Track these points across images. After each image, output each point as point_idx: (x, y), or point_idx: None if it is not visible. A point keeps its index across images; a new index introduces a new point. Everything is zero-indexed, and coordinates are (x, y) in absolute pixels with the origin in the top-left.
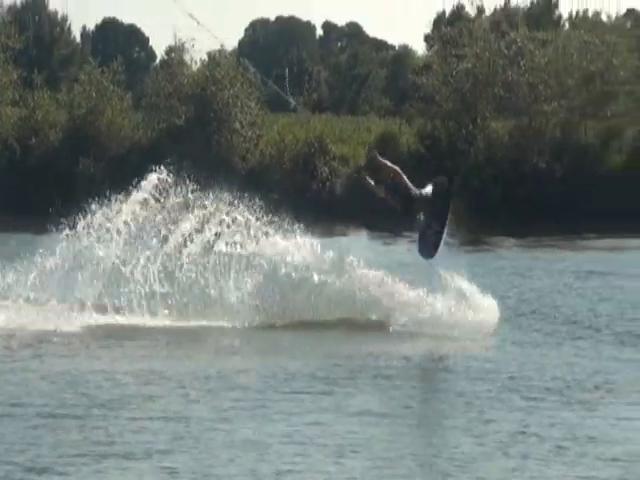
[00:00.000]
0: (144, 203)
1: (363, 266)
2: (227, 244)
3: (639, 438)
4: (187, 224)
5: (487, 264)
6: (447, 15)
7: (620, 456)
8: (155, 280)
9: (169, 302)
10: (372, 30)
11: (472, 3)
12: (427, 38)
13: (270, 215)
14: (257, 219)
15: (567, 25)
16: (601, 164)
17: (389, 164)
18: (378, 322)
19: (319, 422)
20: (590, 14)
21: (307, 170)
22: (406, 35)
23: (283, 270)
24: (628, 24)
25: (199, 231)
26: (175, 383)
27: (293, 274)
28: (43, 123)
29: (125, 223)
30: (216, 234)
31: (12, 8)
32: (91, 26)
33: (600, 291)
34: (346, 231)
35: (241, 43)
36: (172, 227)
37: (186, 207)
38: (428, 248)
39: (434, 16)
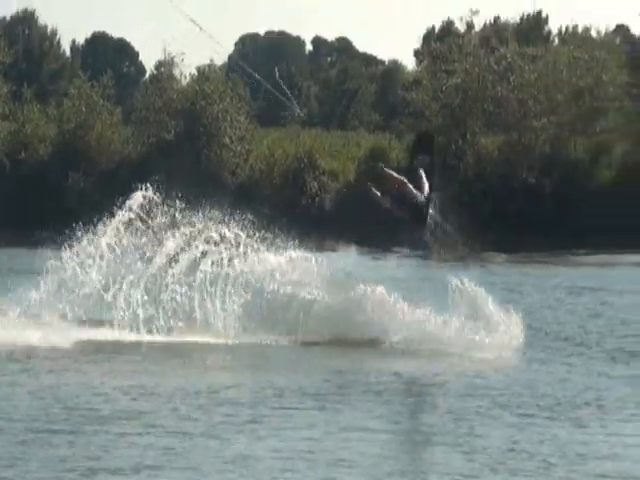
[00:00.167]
0: (129, 224)
1: (362, 283)
2: (213, 263)
3: (629, 455)
4: (172, 244)
5: (477, 280)
6: (437, 30)
7: (609, 473)
8: (138, 305)
9: (154, 326)
10: (362, 45)
11: (461, 19)
12: (417, 53)
13: (261, 231)
14: (248, 236)
15: (557, 41)
16: (590, 180)
17: (394, 174)
18: (370, 338)
19: (309, 438)
20: (580, 30)
21: (297, 185)
22: (396, 50)
23: (272, 288)
24: (617, 40)
25: (185, 250)
26: (165, 398)
27: (282, 291)
28: (32, 137)
29: (109, 246)
30: (203, 253)
31: (1, 22)
32: (81, 40)
33: (590, 307)
34: (335, 246)
35: (231, 58)
36: (158, 248)
37: (173, 226)
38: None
39: (424, 31)
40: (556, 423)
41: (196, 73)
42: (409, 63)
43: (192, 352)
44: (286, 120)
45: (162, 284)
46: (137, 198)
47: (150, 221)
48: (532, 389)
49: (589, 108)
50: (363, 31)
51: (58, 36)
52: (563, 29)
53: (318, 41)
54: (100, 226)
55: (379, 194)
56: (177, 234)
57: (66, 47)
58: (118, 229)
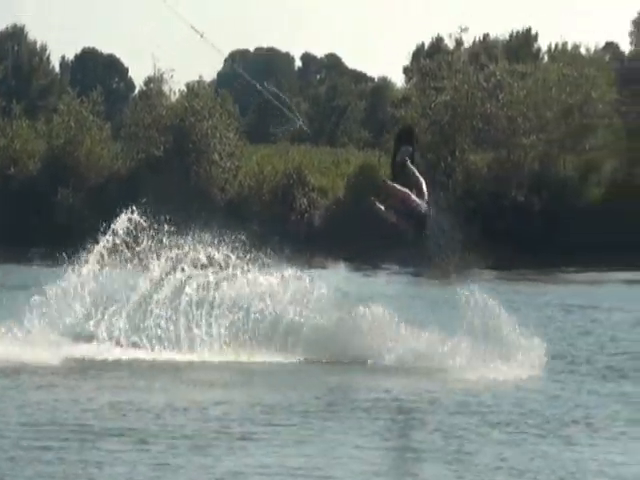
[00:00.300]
0: (113, 249)
1: (361, 304)
2: (199, 286)
3: (618, 473)
4: (157, 269)
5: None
6: (426, 47)
7: None
8: (121, 334)
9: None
10: (351, 62)
11: (450, 36)
12: (406, 70)
13: (251, 251)
14: (238, 257)
15: (546, 58)
16: (580, 197)
17: (398, 187)
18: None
19: (298, 454)
20: (569, 47)
21: (286, 201)
22: (385, 67)
23: (260, 308)
24: (607, 57)
25: (170, 274)
26: (153, 415)
27: (268, 313)
28: (22, 153)
29: (92, 274)
30: (189, 277)
31: None
32: (70, 56)
33: (580, 325)
34: (325, 263)
35: (220, 74)
36: (143, 275)
37: (160, 251)
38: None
39: (413, 48)
40: (545, 440)
41: (185, 89)
42: (398, 80)
43: (181, 368)
44: (288, 132)
45: (147, 310)
46: (122, 222)
47: (136, 246)
48: (522, 406)
49: (578, 125)
50: (352, 48)
51: (47, 52)
52: (552, 46)
53: (307, 57)
54: (84, 254)
55: (383, 208)
56: (163, 259)
57: (55, 63)
58: (102, 255)
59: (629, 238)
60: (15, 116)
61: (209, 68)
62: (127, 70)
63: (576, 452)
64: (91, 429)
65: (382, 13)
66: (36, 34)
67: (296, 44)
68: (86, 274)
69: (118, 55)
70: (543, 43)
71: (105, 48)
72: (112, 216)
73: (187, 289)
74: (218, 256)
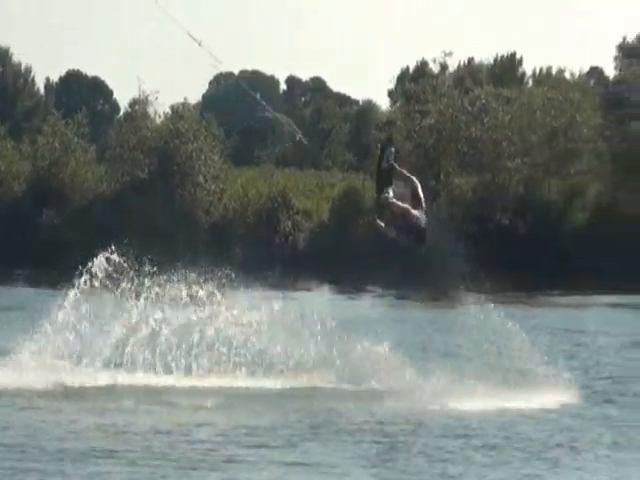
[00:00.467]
0: (91, 292)
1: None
2: (178, 327)
3: None
4: (135, 311)
5: (451, 320)
6: (411, 71)
7: None
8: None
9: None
10: (336, 85)
11: (435, 60)
12: (391, 94)
13: (237, 285)
14: (223, 295)
15: (531, 82)
16: (564, 221)
17: (398, 204)
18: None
19: (283, 477)
20: (554, 71)
21: (270, 224)
22: (370, 90)
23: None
24: (591, 82)
25: (148, 315)
26: (138, 437)
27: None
28: (6, 174)
29: (66, 322)
30: (164, 319)
31: None
32: (55, 78)
33: (565, 348)
34: (309, 286)
35: (205, 96)
36: (119, 319)
37: (138, 292)
38: None
39: (398, 72)
40: (530, 464)
41: (170, 112)
42: (383, 103)
43: (165, 392)
44: (272, 155)
45: (122, 353)
46: (99, 263)
47: (115, 288)
48: (506, 430)
49: (563, 149)
50: (337, 71)
51: (32, 73)
52: (537, 71)
53: (292, 80)
54: (59, 299)
55: (383, 225)
56: (142, 299)
57: (40, 85)
58: (78, 300)
59: (613, 262)
60: (0, 137)
61: (207, 74)
62: (112, 92)
63: (560, 475)
64: (75, 451)
65: (367, 36)
66: (21, 56)
67: (281, 67)
68: (61, 321)
69: (103, 77)
70: (528, 67)
71: (90, 70)
72: (96, 238)
73: (165, 330)
74: (202, 293)
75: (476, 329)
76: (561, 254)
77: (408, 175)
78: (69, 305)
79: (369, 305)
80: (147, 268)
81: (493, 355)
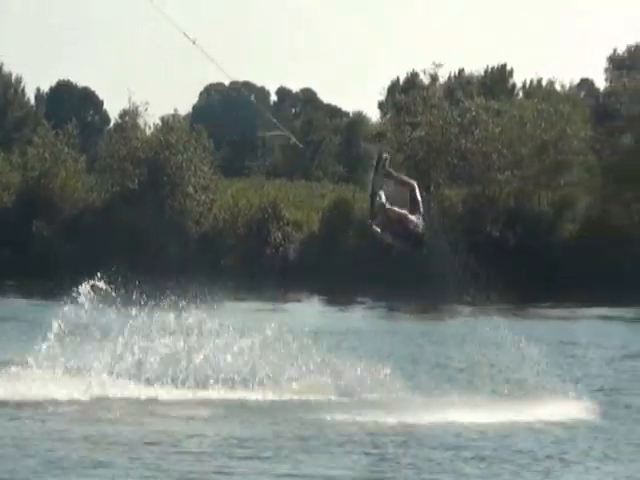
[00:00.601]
0: (75, 327)
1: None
2: (165, 355)
3: None
4: (120, 340)
5: (440, 333)
6: (401, 82)
7: None
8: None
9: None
10: (326, 96)
11: (425, 72)
12: (381, 105)
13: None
14: (215, 323)
15: (521, 94)
16: (554, 233)
17: (396, 210)
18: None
19: None
20: (544, 83)
21: (261, 235)
22: (360, 102)
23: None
24: (582, 94)
25: (134, 343)
26: (127, 448)
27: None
28: None
29: (48, 357)
30: (150, 347)
31: None
32: (45, 88)
33: (556, 360)
34: (299, 297)
35: (195, 107)
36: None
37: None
38: None
39: (388, 83)
40: (519, 476)
41: (160, 123)
42: (373, 115)
43: (154, 403)
44: (263, 166)
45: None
46: (84, 291)
47: (100, 316)
48: (494, 441)
49: (553, 162)
50: (328, 82)
51: (22, 84)
52: (528, 82)
53: (283, 92)
54: (42, 335)
55: (379, 231)
56: (126, 329)
57: (30, 95)
58: (60, 335)
59: (603, 274)
60: None
61: (202, 76)
62: (102, 103)
63: None
64: (63, 461)
65: (357, 48)
66: (11, 66)
67: (271, 78)
68: (45, 352)
69: (93, 88)
70: (518, 79)
71: (80, 81)
72: (86, 250)
73: (150, 359)
74: (192, 321)
75: (467, 341)
76: (551, 266)
77: (407, 179)
78: (53, 337)
79: (360, 317)
80: (134, 296)
81: (484, 367)
